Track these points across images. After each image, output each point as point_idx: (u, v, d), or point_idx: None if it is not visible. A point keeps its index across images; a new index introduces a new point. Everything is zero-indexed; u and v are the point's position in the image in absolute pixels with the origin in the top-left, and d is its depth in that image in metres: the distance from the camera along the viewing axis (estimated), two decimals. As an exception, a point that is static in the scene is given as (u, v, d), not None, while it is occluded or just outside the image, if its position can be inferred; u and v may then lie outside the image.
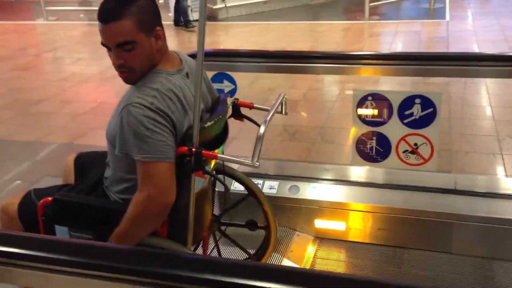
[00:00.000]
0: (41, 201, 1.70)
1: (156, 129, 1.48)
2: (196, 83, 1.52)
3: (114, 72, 1.59)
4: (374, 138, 2.48)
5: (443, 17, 7.47)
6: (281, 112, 2.01)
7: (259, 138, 1.64)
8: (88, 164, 1.97)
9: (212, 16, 8.45)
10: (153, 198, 1.49)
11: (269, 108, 1.87)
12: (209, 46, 2.60)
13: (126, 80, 1.59)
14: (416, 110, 2.33)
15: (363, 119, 2.46)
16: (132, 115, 1.47)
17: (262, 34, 7.36)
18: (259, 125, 1.72)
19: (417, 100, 2.30)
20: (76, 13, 9.88)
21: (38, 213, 1.70)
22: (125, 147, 1.53)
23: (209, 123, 1.64)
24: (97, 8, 1.53)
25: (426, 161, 2.37)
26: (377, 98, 2.40)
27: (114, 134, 1.56)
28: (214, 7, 8.41)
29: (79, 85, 5.49)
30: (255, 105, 2.01)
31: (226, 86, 2.63)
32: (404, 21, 7.31)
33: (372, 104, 2.43)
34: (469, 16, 7.47)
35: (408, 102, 2.32)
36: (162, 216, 1.54)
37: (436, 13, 7.81)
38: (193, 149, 1.53)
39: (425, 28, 7.04)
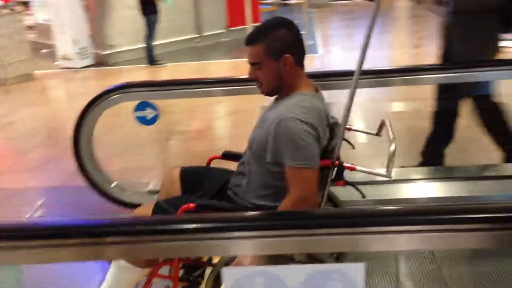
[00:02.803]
0: (182, 207, 1.85)
1: (309, 140, 1.75)
2: (346, 104, 1.84)
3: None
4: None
5: (316, 52, 8.43)
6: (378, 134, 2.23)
7: (393, 153, 1.88)
8: (196, 177, 2.21)
9: (102, 62, 8.64)
10: (302, 201, 1.73)
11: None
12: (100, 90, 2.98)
13: (261, 91, 1.96)
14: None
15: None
16: (289, 127, 1.75)
17: (155, 76, 7.73)
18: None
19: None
20: None
21: None
22: (278, 155, 1.79)
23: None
24: None
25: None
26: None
27: (262, 146, 1.85)
28: (103, 52, 8.63)
29: None
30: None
31: (149, 112, 2.98)
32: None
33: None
34: (338, 50, 8.52)
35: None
36: None
37: (309, 49, 8.78)
38: (337, 162, 1.83)
39: (302, 62, 7.91)
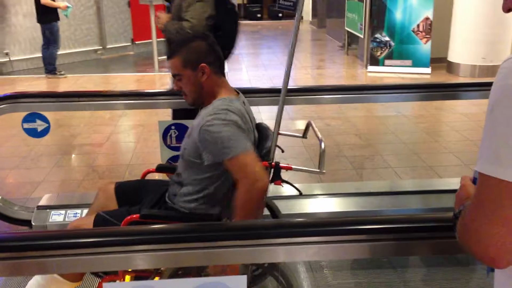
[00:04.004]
0: (126, 219, 1.88)
1: (234, 132, 1.84)
2: (278, 113, 1.97)
3: None
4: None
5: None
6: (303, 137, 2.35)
7: (323, 152, 2.00)
8: (131, 191, 2.23)
9: (-5, 70, 8.09)
10: (253, 185, 1.78)
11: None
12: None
13: (186, 101, 2.06)
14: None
15: (168, 145, 2.92)
16: (211, 129, 1.83)
17: (53, 87, 7.36)
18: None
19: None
20: None
21: None
22: (213, 156, 1.86)
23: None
24: None
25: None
26: (178, 126, 2.91)
27: (194, 153, 1.92)
28: (-3, 61, 8.09)
29: None
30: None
31: (39, 125, 2.83)
32: (190, 73, 8.12)
33: (175, 132, 2.92)
34: (243, 68, 8.67)
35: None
36: (264, 198, 1.81)
37: (216, 66, 8.86)
38: (273, 163, 1.88)
39: (208, 78, 7.95)
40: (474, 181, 1.01)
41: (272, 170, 2.01)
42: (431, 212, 2.92)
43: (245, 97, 2.15)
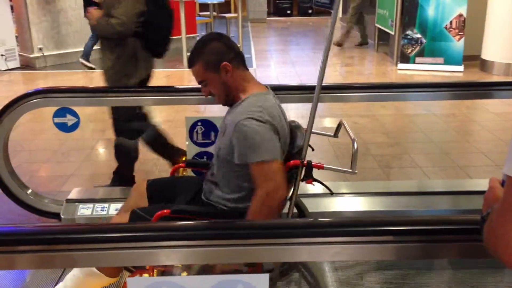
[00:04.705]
0: (157, 214, 1.90)
1: (267, 135, 1.83)
2: (311, 111, 1.96)
3: None
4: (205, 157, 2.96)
5: (251, 66, 8.52)
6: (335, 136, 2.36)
7: (356, 152, 2.00)
8: (163, 188, 2.25)
9: (29, 65, 8.28)
10: (272, 193, 1.78)
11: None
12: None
13: (219, 103, 2.08)
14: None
15: (195, 141, 2.94)
16: (246, 127, 1.82)
17: (85, 82, 7.50)
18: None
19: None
20: None
21: None
22: (243, 157, 1.85)
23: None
24: None
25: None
26: (205, 123, 2.92)
27: (228, 151, 1.92)
28: (31, 55, 8.27)
29: None
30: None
31: (69, 119, 2.89)
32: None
33: (201, 128, 2.93)
34: (271, 65, 8.66)
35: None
36: (279, 209, 1.81)
37: (244, 62, 8.87)
38: (305, 162, 1.90)
39: (236, 75, 7.97)
40: (503, 183, 0.98)
41: (304, 168, 1.99)
42: (460, 214, 2.86)
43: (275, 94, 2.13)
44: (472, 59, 7.47)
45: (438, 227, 1.27)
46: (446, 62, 7.50)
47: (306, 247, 1.31)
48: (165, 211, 1.91)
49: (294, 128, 2.13)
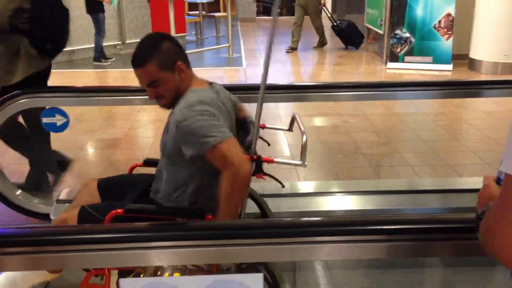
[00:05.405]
0: (110, 213, 1.87)
1: (210, 122, 1.82)
2: (257, 108, 1.87)
3: None
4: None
5: (241, 65, 8.51)
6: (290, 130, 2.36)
7: (305, 144, 2.01)
8: (115, 186, 2.23)
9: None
10: (237, 170, 1.78)
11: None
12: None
13: (163, 106, 2.00)
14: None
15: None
16: (188, 122, 1.81)
17: (73, 82, 7.43)
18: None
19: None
20: None
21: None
22: (193, 149, 1.83)
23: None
24: None
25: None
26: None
27: (174, 147, 1.90)
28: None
29: None
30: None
31: (58, 119, 2.86)
32: (207, 68, 8.14)
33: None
34: (261, 63, 8.65)
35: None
36: (248, 185, 1.83)
37: (234, 62, 8.85)
38: (255, 156, 1.87)
39: (226, 74, 7.96)
40: (497, 181, 0.98)
41: (255, 163, 1.97)
42: (450, 212, 2.88)
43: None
44: (461, 58, 7.52)
45: (434, 225, 1.27)
46: (435, 61, 7.55)
47: (294, 246, 1.30)
48: (119, 210, 1.89)
49: (249, 124, 2.13)
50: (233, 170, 1.80)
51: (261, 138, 2.22)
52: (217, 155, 1.83)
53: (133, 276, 2.05)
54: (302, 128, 2.12)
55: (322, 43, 9.63)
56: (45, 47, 3.06)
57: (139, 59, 1.92)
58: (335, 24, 9.56)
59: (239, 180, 1.82)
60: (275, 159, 1.98)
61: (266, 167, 1.99)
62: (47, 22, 3.01)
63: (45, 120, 2.79)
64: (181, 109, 1.89)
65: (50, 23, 3.03)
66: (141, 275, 1.91)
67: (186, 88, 1.98)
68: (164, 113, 5.07)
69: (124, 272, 2.03)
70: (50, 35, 3.05)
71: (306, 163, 2.00)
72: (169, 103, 1.99)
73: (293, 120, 2.30)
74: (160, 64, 1.91)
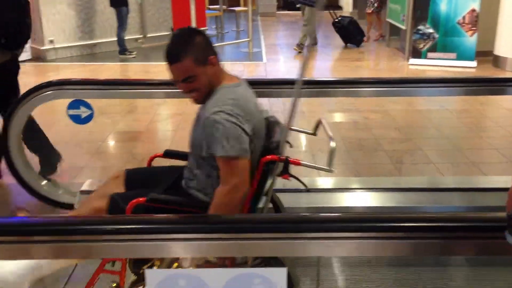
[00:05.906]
0: (132, 201, 1.88)
1: (235, 132, 1.81)
2: (290, 107, 1.89)
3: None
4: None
5: (261, 60, 8.50)
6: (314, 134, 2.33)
7: (333, 150, 1.98)
8: (141, 177, 2.24)
9: (39, 57, 8.31)
10: (235, 189, 1.80)
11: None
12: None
13: (196, 101, 1.99)
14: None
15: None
16: (216, 120, 1.81)
17: (95, 75, 7.51)
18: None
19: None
20: None
21: (126, 212, 1.89)
22: (210, 149, 1.85)
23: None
24: None
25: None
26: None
27: (199, 144, 1.92)
28: (42, 48, 8.30)
29: None
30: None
31: (83, 111, 2.89)
32: (228, 63, 8.14)
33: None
34: (281, 59, 8.63)
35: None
36: (241, 205, 1.83)
37: (254, 56, 8.84)
38: (282, 157, 1.89)
39: (246, 69, 7.95)
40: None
41: (281, 164, 1.97)
42: (473, 211, 2.84)
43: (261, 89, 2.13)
44: (485, 54, 7.40)
45: (458, 224, 1.26)
46: (459, 58, 7.44)
47: (320, 241, 1.30)
48: (140, 199, 1.89)
49: (272, 123, 2.12)
50: (231, 187, 1.81)
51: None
52: (224, 166, 1.84)
53: (149, 267, 2.08)
54: (330, 134, 2.08)
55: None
56: (0, 41, 3.02)
57: (174, 54, 1.91)
58: (336, 20, 9.40)
59: (232, 198, 1.82)
60: (302, 162, 1.97)
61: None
62: (9, 17, 2.98)
63: (70, 112, 2.82)
64: (214, 105, 1.89)
65: (3, 17, 2.98)
66: (155, 266, 1.94)
67: (218, 82, 1.98)
68: (185, 107, 5.10)
69: (138, 261, 2.07)
70: (3, 29, 2.99)
71: (333, 168, 1.97)
72: (203, 98, 1.99)
73: (318, 124, 2.27)
74: (196, 59, 1.91)
